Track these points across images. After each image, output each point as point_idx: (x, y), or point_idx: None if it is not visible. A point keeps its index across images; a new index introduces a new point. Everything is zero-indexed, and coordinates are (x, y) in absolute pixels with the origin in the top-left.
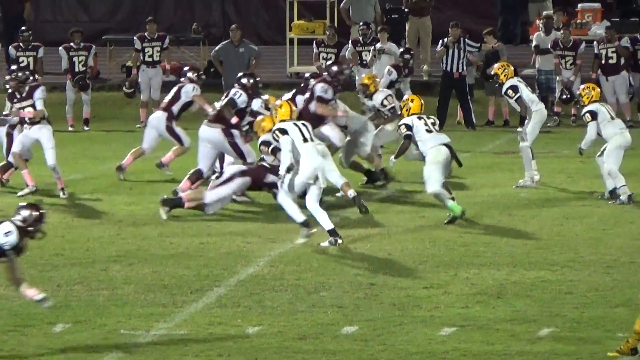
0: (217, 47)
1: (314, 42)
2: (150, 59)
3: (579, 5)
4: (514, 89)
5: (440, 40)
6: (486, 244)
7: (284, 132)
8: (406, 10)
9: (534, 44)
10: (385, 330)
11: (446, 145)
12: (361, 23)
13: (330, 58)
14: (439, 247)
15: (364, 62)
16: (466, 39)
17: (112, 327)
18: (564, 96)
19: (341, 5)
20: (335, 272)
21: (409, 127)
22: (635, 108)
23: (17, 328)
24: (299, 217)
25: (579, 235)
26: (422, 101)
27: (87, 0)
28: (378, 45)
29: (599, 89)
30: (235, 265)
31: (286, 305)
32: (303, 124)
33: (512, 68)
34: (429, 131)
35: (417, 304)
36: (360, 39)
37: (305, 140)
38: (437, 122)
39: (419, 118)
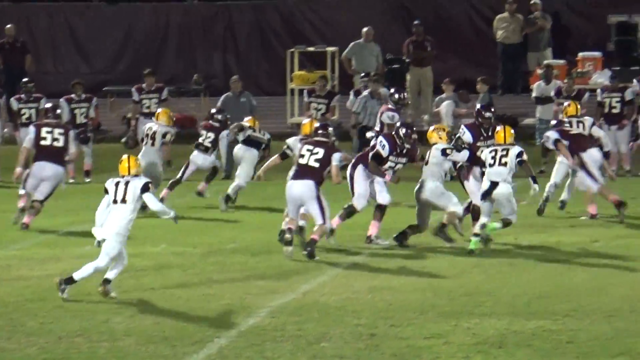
0: (220, 100)
1: (305, 91)
2: (147, 110)
3: (580, 54)
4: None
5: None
6: (487, 294)
7: None
8: (407, 60)
9: (533, 94)
10: None
11: None
12: (362, 74)
13: (322, 109)
14: (440, 297)
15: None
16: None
17: None
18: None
19: (343, 54)
20: (336, 322)
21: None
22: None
23: None
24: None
25: (579, 285)
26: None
27: (88, 52)
28: (365, 92)
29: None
30: (236, 316)
31: (287, 356)
32: None
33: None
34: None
35: (418, 354)
36: (361, 88)
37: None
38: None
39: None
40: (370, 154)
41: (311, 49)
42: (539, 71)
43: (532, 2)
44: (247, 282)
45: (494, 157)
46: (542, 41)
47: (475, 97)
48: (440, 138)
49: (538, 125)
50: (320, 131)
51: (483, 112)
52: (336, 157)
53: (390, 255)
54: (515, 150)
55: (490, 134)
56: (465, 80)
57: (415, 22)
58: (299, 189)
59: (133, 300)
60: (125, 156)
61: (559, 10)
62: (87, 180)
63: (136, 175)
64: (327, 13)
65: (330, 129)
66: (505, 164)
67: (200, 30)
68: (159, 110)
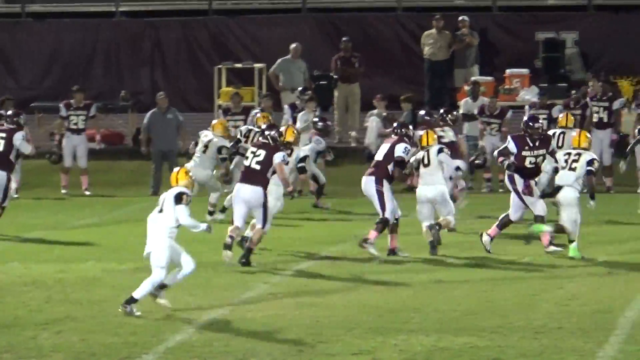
0: (146, 117)
1: (220, 110)
2: (75, 127)
3: (507, 71)
4: None
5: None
6: (415, 310)
7: None
8: (335, 76)
9: (460, 111)
10: None
11: None
12: (299, 89)
13: (238, 125)
14: (368, 313)
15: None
16: None
17: None
18: (477, 161)
19: (270, 70)
20: (264, 339)
21: None
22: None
23: None
24: None
25: (507, 301)
26: None
27: (15, 67)
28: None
29: None
30: (164, 333)
31: None
32: None
33: None
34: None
35: None
36: (298, 103)
37: None
38: None
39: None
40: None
41: (238, 65)
42: (466, 88)
43: (459, 18)
44: (174, 298)
45: (566, 161)
46: (470, 58)
47: (400, 114)
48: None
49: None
50: (266, 132)
51: (532, 124)
52: (278, 156)
53: (317, 271)
54: (586, 157)
55: (537, 144)
56: (392, 96)
57: (344, 38)
58: (248, 193)
59: (61, 316)
60: (177, 168)
61: (486, 27)
62: (15, 195)
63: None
64: (255, 30)
65: (274, 132)
66: (574, 169)
67: (127, 47)
68: (215, 121)
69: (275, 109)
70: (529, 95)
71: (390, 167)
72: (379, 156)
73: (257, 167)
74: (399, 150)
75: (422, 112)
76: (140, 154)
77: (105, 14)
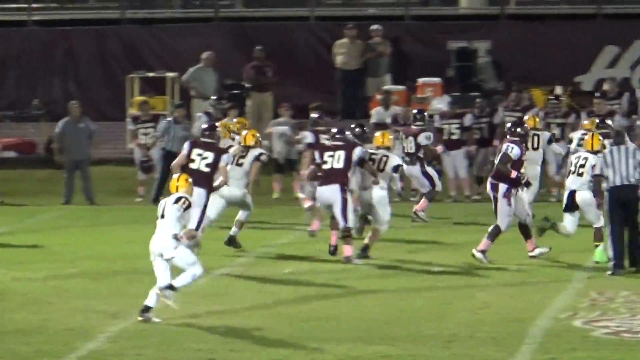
0: (58, 126)
1: (130, 118)
2: None
3: (420, 80)
4: None
5: None
6: (327, 319)
7: None
8: (248, 85)
9: (372, 120)
10: None
11: None
12: (213, 97)
13: (149, 133)
14: (281, 321)
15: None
16: None
17: None
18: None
19: (183, 78)
20: (176, 347)
21: None
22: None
23: None
24: None
25: (419, 310)
26: None
27: None
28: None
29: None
30: (75, 341)
31: None
32: None
33: None
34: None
35: None
36: (212, 111)
37: None
38: None
39: None
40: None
41: (151, 74)
42: (379, 97)
43: (372, 28)
44: (86, 306)
45: (575, 164)
46: (383, 67)
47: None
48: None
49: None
50: (207, 132)
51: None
52: (224, 159)
53: (230, 280)
54: (592, 160)
55: (526, 146)
56: (304, 106)
57: (257, 47)
58: (195, 195)
59: None
60: (175, 175)
61: (399, 36)
62: None
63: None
64: (168, 39)
65: (218, 130)
66: (581, 174)
67: (40, 56)
68: (245, 132)
69: (187, 117)
70: (441, 104)
71: (349, 173)
72: (337, 164)
73: (207, 169)
74: (357, 152)
75: (314, 115)
76: (52, 163)
77: (17, 23)
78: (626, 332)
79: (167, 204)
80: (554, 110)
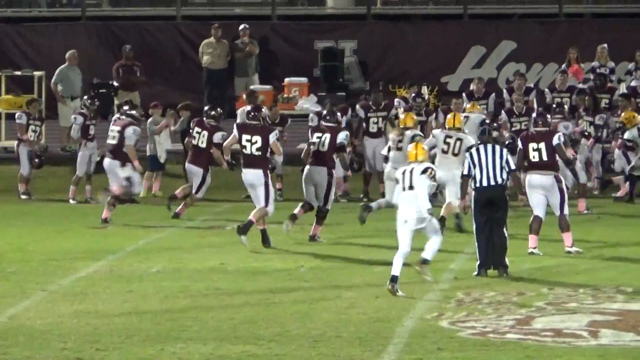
0: None
1: (23, 114)
2: None
3: (286, 80)
4: None
5: None
6: (193, 318)
7: None
8: (116, 84)
9: (238, 120)
10: None
11: None
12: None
13: (36, 130)
14: (146, 321)
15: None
16: None
17: None
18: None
19: (52, 81)
20: (42, 346)
21: None
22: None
23: None
24: None
25: (286, 310)
26: None
27: None
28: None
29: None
30: None
31: None
32: None
33: None
34: None
35: None
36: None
37: None
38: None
39: None
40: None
41: (18, 73)
42: (244, 96)
43: (240, 27)
44: None
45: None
46: (250, 67)
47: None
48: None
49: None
50: (251, 114)
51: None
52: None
53: (95, 279)
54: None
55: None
56: (171, 105)
57: (127, 47)
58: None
59: None
60: (412, 145)
61: (266, 36)
62: None
63: None
64: (35, 38)
65: (263, 111)
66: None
67: None
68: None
69: (54, 117)
70: (307, 104)
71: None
72: (322, 147)
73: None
74: (341, 137)
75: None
76: None
77: None
78: (492, 332)
79: (414, 174)
80: (418, 109)
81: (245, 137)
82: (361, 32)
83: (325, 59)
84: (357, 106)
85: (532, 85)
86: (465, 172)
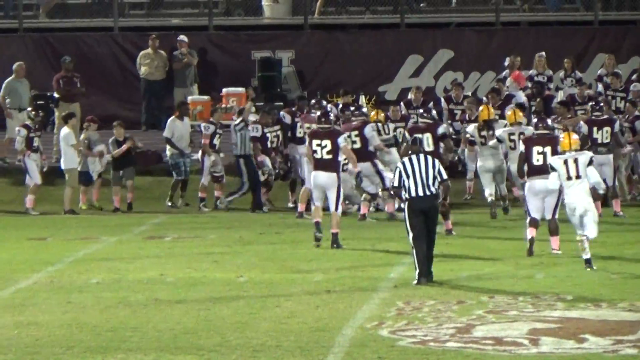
0: None
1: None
2: None
3: (224, 90)
4: None
5: None
6: (133, 329)
7: None
8: (57, 96)
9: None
10: None
11: None
12: (29, 109)
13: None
14: (86, 332)
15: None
16: None
17: None
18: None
19: (1, 94)
20: None
21: None
22: None
23: None
24: None
25: (225, 319)
26: None
27: None
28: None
29: None
30: None
31: None
32: None
33: None
34: None
35: None
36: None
37: None
38: None
39: None
40: None
41: None
42: (176, 107)
43: (178, 38)
44: None
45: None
46: (189, 77)
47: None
48: None
49: (171, 161)
50: (322, 119)
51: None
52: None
53: (35, 290)
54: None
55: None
56: (109, 116)
57: (66, 58)
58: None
59: None
60: (563, 134)
61: (204, 47)
62: None
63: None
64: None
65: (331, 114)
66: None
67: None
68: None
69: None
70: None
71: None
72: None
73: None
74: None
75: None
76: None
77: None
78: (433, 341)
79: (579, 164)
80: (346, 119)
81: (315, 142)
82: (298, 42)
83: (263, 69)
84: (282, 112)
85: (469, 94)
86: (396, 184)
